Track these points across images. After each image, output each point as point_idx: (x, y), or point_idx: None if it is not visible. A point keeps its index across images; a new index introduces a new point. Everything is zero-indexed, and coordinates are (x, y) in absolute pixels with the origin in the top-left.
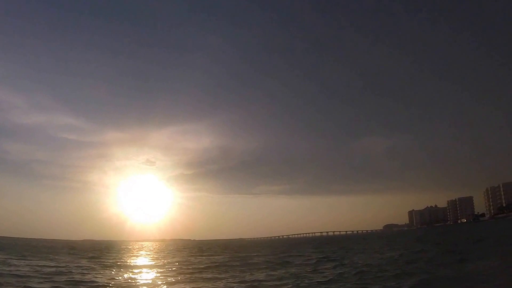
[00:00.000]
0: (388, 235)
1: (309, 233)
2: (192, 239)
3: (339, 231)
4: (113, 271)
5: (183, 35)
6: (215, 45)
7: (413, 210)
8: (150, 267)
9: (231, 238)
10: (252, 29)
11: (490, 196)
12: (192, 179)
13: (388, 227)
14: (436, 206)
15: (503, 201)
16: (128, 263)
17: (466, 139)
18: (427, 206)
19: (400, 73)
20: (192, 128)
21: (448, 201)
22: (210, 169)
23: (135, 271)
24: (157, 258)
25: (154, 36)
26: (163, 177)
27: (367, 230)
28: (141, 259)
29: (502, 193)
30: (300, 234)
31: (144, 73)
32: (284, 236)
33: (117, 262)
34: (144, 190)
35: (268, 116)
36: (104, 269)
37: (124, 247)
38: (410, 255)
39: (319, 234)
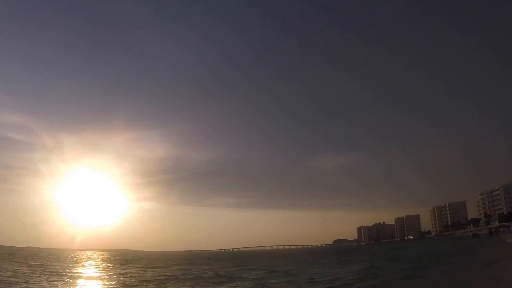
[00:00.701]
0: (340, 250)
1: (260, 246)
2: (141, 250)
3: (289, 245)
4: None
5: (145, 41)
6: (176, 54)
7: (362, 226)
8: (96, 278)
9: (181, 250)
10: (216, 42)
11: (436, 214)
12: (144, 188)
13: (337, 242)
14: (384, 223)
15: (449, 219)
16: (72, 273)
17: (414, 160)
18: (376, 223)
19: (352, 96)
20: (147, 136)
21: (396, 218)
22: (163, 179)
23: (79, 281)
24: (105, 269)
25: (115, 37)
26: (114, 185)
27: (317, 245)
28: (88, 269)
29: (448, 212)
30: (251, 247)
31: (102, 76)
32: (235, 249)
33: (61, 271)
34: (93, 197)
35: (225, 128)
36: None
37: (70, 255)
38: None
39: (269, 247)
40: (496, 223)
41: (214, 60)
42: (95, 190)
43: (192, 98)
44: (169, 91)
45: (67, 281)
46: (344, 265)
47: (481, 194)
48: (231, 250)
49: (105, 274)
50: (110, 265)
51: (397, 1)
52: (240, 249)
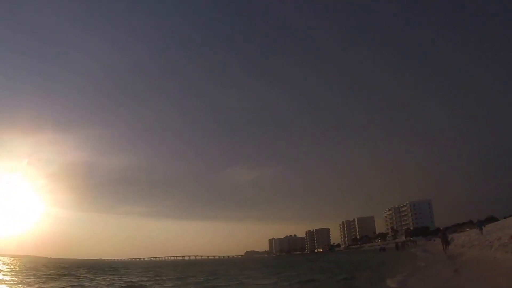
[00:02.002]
0: (256, 261)
1: (172, 256)
2: (48, 257)
3: (201, 256)
4: None
5: (59, 44)
6: (88, 59)
7: (273, 238)
8: None
9: (90, 258)
10: (126, 51)
11: (345, 228)
12: (54, 193)
13: (249, 253)
14: (295, 235)
15: (357, 233)
16: None
17: (323, 176)
18: (287, 235)
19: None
20: (59, 139)
21: (306, 231)
22: (74, 185)
23: None
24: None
25: (25, 39)
26: (22, 189)
27: (228, 256)
28: None
29: (357, 226)
30: (162, 257)
31: (12, 75)
32: (146, 259)
33: None
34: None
35: (138, 136)
36: None
37: None
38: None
39: (181, 257)
40: (403, 238)
41: (125, 69)
42: (2, 195)
43: (103, 104)
44: (81, 95)
45: None
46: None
47: (389, 210)
48: (142, 259)
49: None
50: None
51: (320, 19)
52: (152, 258)
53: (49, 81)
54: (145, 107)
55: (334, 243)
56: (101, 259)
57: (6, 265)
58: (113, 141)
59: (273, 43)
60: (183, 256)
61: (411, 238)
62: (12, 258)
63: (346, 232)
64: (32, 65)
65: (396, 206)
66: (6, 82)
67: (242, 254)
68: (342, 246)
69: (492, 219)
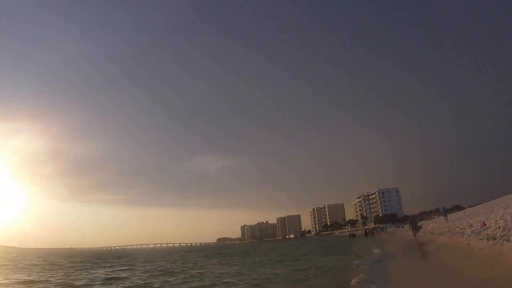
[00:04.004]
0: (228, 247)
1: (142, 244)
2: (17, 246)
3: (173, 243)
4: None
5: (28, 29)
6: (59, 43)
7: (245, 225)
8: None
9: (60, 247)
10: (99, 35)
11: (316, 215)
12: (22, 182)
13: (221, 240)
14: (267, 222)
15: (328, 220)
16: None
17: (294, 165)
18: (259, 222)
19: (223, 106)
20: (25, 128)
21: (278, 218)
22: (40, 173)
23: None
24: None
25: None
26: None
27: (201, 243)
28: None
29: (327, 213)
30: (133, 245)
31: None
32: (117, 247)
33: None
34: None
35: (106, 123)
36: None
37: None
38: None
39: (152, 245)
40: (372, 224)
41: (97, 52)
42: None
43: (72, 90)
44: (47, 83)
45: None
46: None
47: (358, 197)
48: (114, 248)
49: None
50: None
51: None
52: (124, 246)
53: (14, 69)
54: (113, 96)
55: (305, 229)
56: (72, 248)
57: None
58: (80, 130)
59: (243, 38)
60: (155, 244)
61: (380, 225)
62: None
63: (316, 218)
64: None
65: (365, 193)
66: None
67: (215, 241)
68: (313, 233)
69: (458, 208)
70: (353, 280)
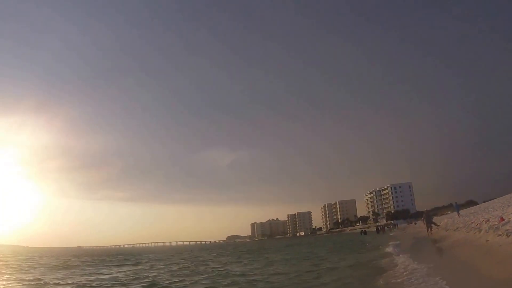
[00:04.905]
0: (234, 244)
1: (152, 242)
2: (25, 245)
3: (182, 242)
4: None
5: (32, 17)
6: (66, 32)
7: (255, 222)
8: None
9: (68, 246)
10: (108, 23)
11: (327, 212)
12: (29, 178)
13: (231, 238)
14: (277, 219)
15: (339, 217)
16: None
17: (304, 160)
18: (269, 219)
19: (244, 93)
20: (31, 121)
21: (288, 215)
22: (48, 169)
23: None
24: None
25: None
26: None
27: (210, 241)
28: None
29: (338, 209)
30: (142, 243)
31: None
32: (126, 246)
33: None
34: None
35: (116, 116)
36: None
37: None
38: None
39: (161, 244)
40: (384, 221)
41: (107, 42)
42: None
43: (78, 85)
44: (56, 76)
45: None
46: None
47: (370, 193)
48: (123, 246)
49: None
50: None
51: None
52: (134, 245)
53: (21, 63)
54: (122, 89)
55: (316, 226)
56: (81, 247)
57: None
58: (89, 123)
59: (259, 26)
60: (164, 242)
61: (392, 221)
62: None
63: (328, 215)
64: (3, 47)
65: (377, 189)
66: None
67: (224, 239)
68: (324, 230)
69: (471, 203)
70: None
